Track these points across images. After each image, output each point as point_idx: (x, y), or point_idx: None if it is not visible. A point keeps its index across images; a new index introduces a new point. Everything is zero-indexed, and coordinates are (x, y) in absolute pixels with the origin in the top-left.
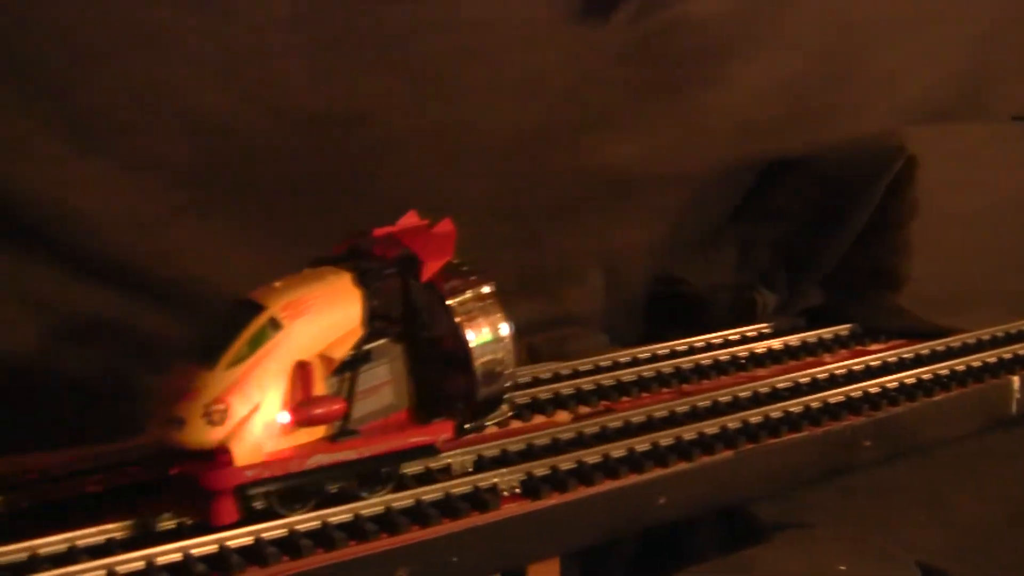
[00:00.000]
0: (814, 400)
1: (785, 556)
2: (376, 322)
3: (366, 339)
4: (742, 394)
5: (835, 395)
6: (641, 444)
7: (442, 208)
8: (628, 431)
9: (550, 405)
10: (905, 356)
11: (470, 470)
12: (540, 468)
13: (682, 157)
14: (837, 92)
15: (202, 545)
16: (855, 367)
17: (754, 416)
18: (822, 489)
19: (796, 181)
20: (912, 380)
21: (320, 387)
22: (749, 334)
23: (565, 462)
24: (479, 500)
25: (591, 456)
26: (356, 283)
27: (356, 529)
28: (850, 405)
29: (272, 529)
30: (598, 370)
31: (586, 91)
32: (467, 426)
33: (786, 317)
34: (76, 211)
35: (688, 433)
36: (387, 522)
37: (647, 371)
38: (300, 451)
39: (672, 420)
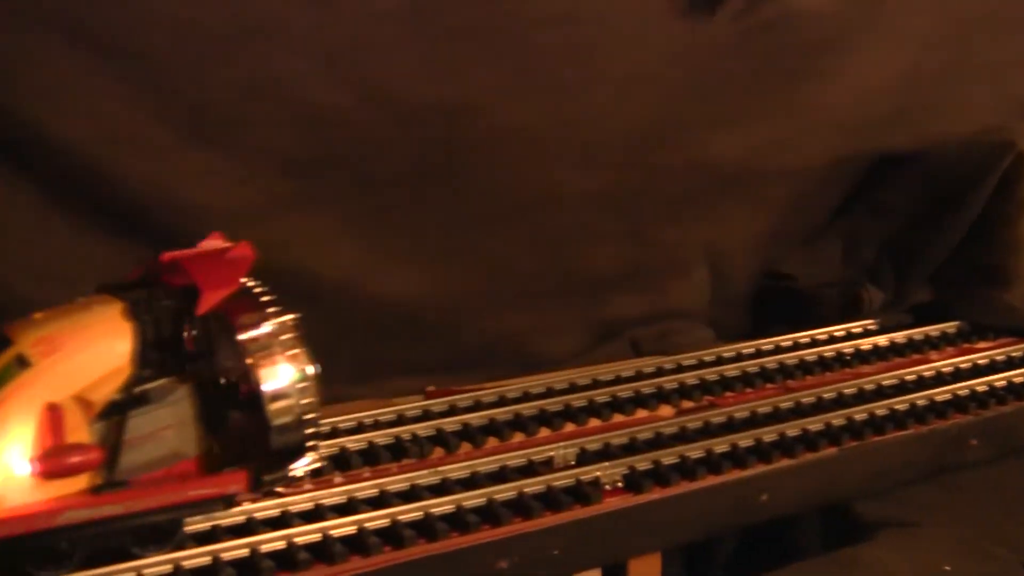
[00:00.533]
0: (920, 398)
1: (888, 555)
2: (158, 359)
3: (141, 379)
4: (847, 391)
5: (942, 393)
6: (744, 440)
7: (547, 201)
8: (731, 427)
9: (653, 399)
10: (1014, 354)
11: (572, 463)
12: (643, 462)
13: (788, 152)
14: (946, 87)
15: (307, 534)
16: (962, 365)
17: (859, 413)
18: (927, 488)
19: (904, 177)
20: (1021, 379)
21: (78, 433)
22: (855, 330)
23: (668, 456)
24: (581, 493)
25: (694, 451)
26: (126, 316)
27: (458, 520)
28: (957, 403)
29: (375, 520)
30: (702, 365)
31: (692, 86)
32: (266, 477)
33: (893, 314)
34: (184, 202)
35: (792, 429)
36: (489, 514)
37: (751, 366)
38: (52, 505)
39: (776, 416)
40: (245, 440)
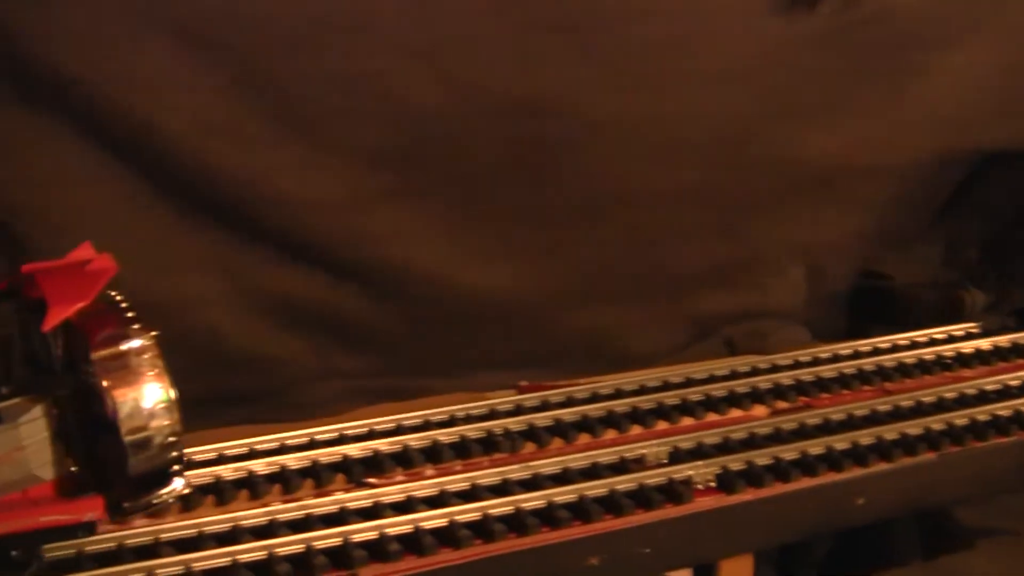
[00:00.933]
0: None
1: (989, 565)
2: (10, 376)
3: None
4: (947, 395)
5: None
6: (840, 442)
7: (637, 197)
8: (827, 428)
9: (747, 399)
10: None
11: (664, 461)
12: (735, 462)
13: (887, 149)
14: None
15: (397, 525)
16: None
17: (959, 418)
18: None
19: (1008, 176)
20: None
21: None
22: (956, 333)
23: (761, 457)
24: (673, 492)
25: (788, 452)
26: None
27: (549, 516)
28: None
29: (465, 513)
30: (797, 365)
31: (787, 82)
32: (126, 504)
33: (995, 317)
34: (279, 193)
35: (889, 433)
36: (580, 510)
37: (848, 367)
38: None
39: (873, 419)
40: (106, 465)
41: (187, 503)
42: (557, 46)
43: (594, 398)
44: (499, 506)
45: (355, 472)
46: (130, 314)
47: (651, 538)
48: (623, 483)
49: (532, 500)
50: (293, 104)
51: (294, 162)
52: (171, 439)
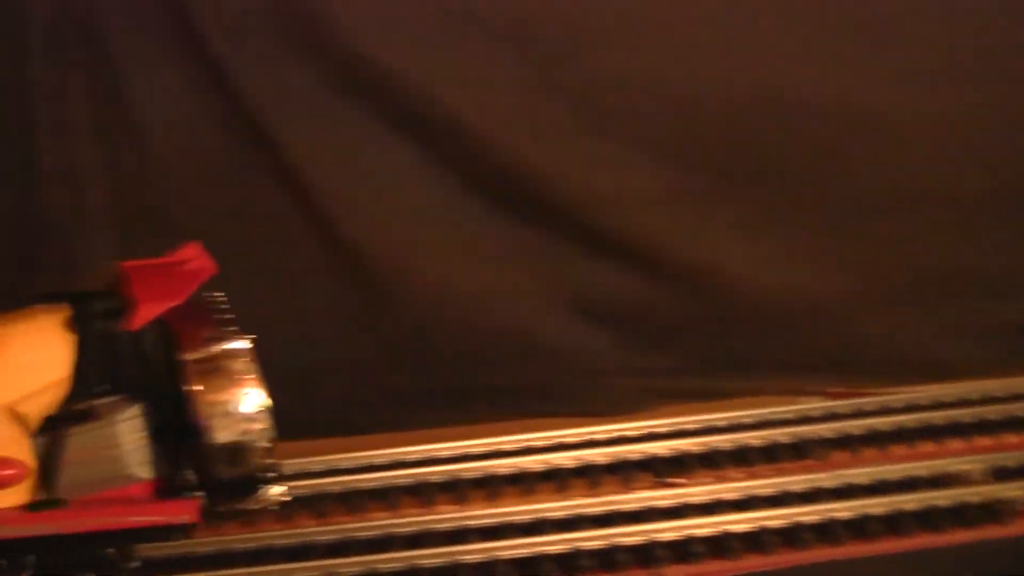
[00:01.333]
0: None
1: None
2: (106, 374)
3: (83, 394)
4: None
5: None
6: None
7: (935, 198)
8: None
9: None
10: None
11: (986, 478)
12: None
13: None
14: None
15: (703, 527)
16: None
17: None
18: None
19: None
20: None
21: (10, 446)
22: None
23: None
24: (995, 512)
25: None
26: (69, 327)
27: (860, 527)
28: None
29: (773, 519)
30: None
31: None
32: (220, 508)
33: None
34: (589, 190)
35: None
36: (894, 524)
37: None
38: None
39: None
40: (199, 468)
41: (491, 492)
42: (846, 47)
43: (910, 408)
44: (808, 514)
45: (661, 471)
46: (228, 316)
47: (970, 560)
48: (941, 499)
49: (843, 510)
50: (597, 102)
51: (603, 159)
52: (263, 446)
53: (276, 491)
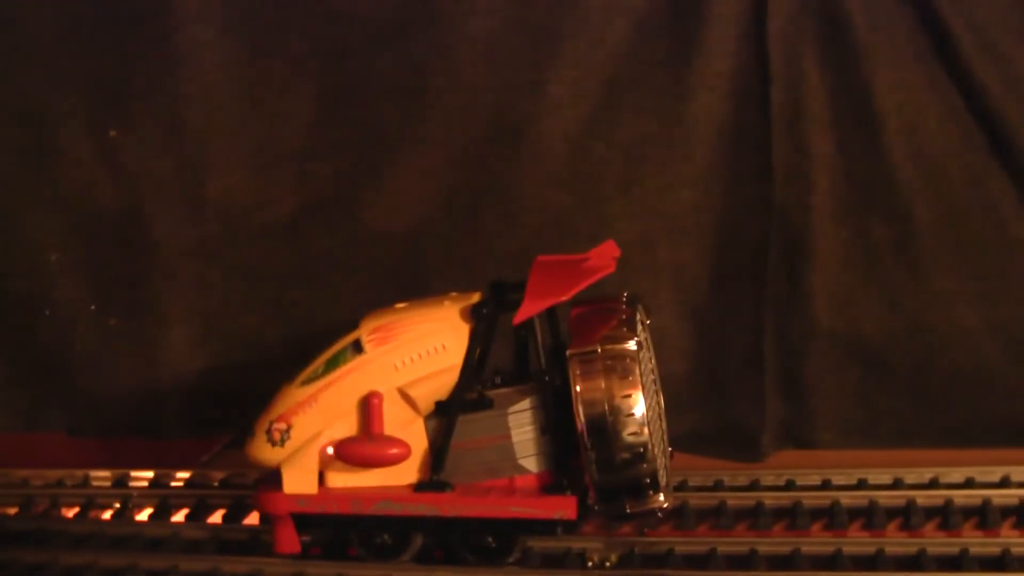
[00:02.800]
0: None
1: None
2: (512, 367)
3: (476, 383)
4: None
5: None
6: None
7: None
8: None
9: None
10: None
11: None
12: None
13: None
14: None
15: None
16: None
17: None
18: None
19: None
20: None
21: (401, 427)
22: None
23: None
24: None
25: None
26: (466, 316)
27: None
28: None
29: None
30: None
31: None
32: (598, 510)
33: None
34: None
35: None
36: None
37: None
38: (368, 493)
39: None
40: (583, 466)
41: None
42: None
43: None
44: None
45: None
46: (626, 317)
47: None
48: None
49: None
50: None
51: None
52: (641, 452)
53: (659, 497)
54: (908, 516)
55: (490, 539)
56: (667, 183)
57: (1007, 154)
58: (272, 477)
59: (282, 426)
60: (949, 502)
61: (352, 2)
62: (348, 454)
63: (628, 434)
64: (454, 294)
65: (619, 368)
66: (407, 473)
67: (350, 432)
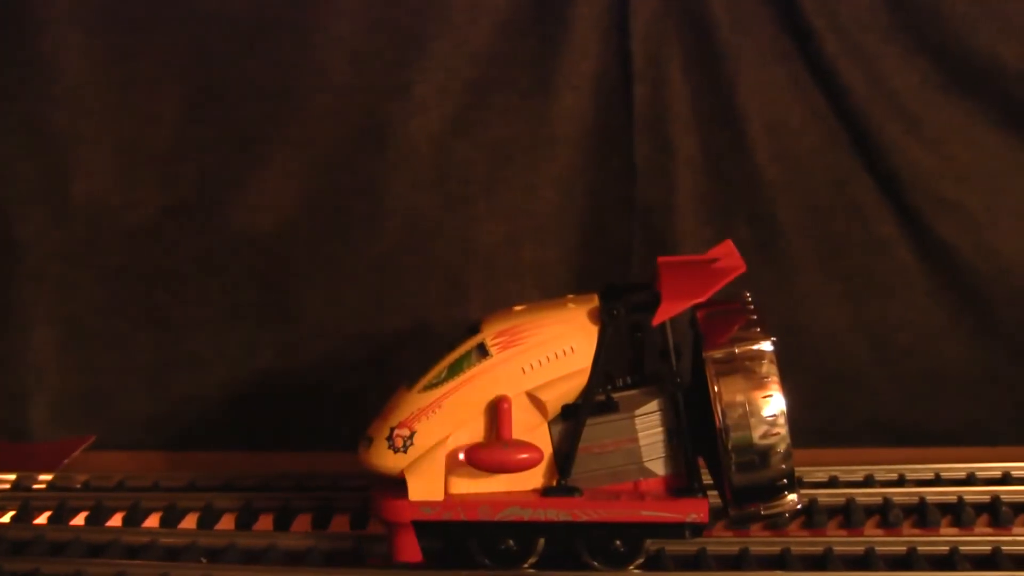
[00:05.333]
0: None
1: None
2: (630, 368)
3: (604, 385)
4: None
5: None
6: None
7: None
8: None
9: None
10: None
11: None
12: None
13: None
14: None
15: None
16: None
17: None
18: None
19: None
20: None
21: (529, 431)
22: None
23: None
24: None
25: None
26: (594, 318)
27: None
28: None
29: None
30: None
31: None
32: (732, 513)
33: None
34: None
35: None
36: None
37: None
38: (495, 498)
39: None
40: (715, 468)
41: None
42: None
43: None
44: None
45: None
46: (755, 318)
47: None
48: None
49: None
50: None
51: None
52: (780, 452)
53: (792, 498)
54: None
55: (618, 543)
56: (531, 183)
57: (871, 154)
58: (390, 484)
59: (405, 432)
60: (814, 501)
61: (219, 3)
62: (482, 460)
63: (769, 434)
64: (572, 296)
65: (758, 368)
66: (532, 478)
67: (476, 438)
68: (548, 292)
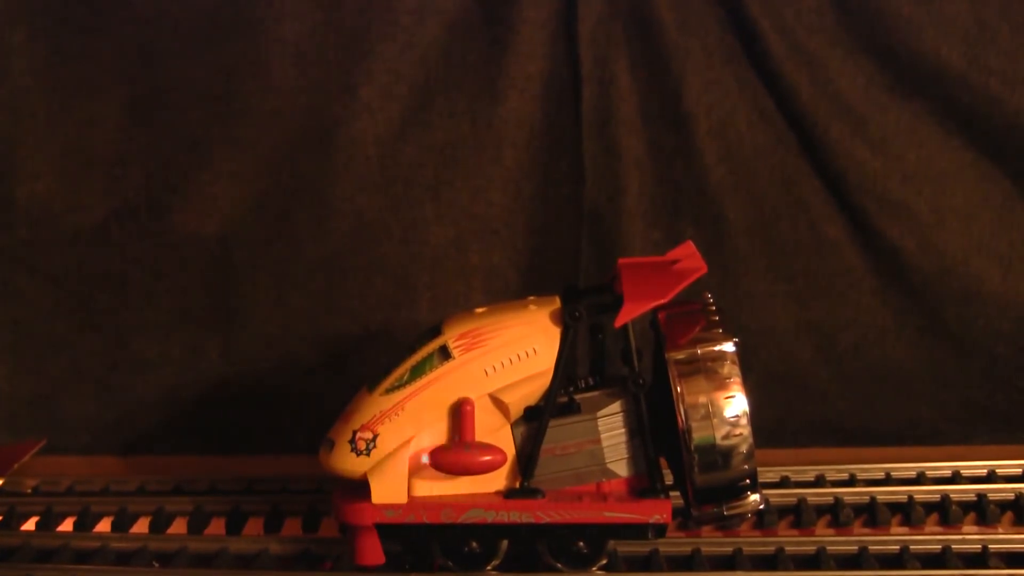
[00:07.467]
0: None
1: None
2: (590, 369)
3: (565, 387)
4: None
5: None
6: None
7: None
8: None
9: None
10: None
11: None
12: None
13: None
14: None
15: None
16: None
17: None
18: None
19: None
20: None
21: (492, 433)
22: None
23: None
24: None
25: None
26: (556, 320)
27: None
28: None
29: None
30: None
31: None
32: (694, 513)
33: None
34: None
35: None
36: None
37: None
38: (458, 501)
39: None
40: (677, 469)
41: None
42: None
43: None
44: None
45: None
46: (717, 319)
47: None
48: None
49: None
50: None
51: None
52: (743, 452)
53: (755, 498)
54: None
55: (581, 544)
56: (478, 186)
57: (817, 155)
58: (352, 487)
59: (367, 435)
60: (765, 502)
61: (162, 6)
62: (445, 462)
63: (732, 435)
64: (534, 298)
65: (720, 369)
66: (495, 480)
67: (438, 440)
68: (496, 294)
